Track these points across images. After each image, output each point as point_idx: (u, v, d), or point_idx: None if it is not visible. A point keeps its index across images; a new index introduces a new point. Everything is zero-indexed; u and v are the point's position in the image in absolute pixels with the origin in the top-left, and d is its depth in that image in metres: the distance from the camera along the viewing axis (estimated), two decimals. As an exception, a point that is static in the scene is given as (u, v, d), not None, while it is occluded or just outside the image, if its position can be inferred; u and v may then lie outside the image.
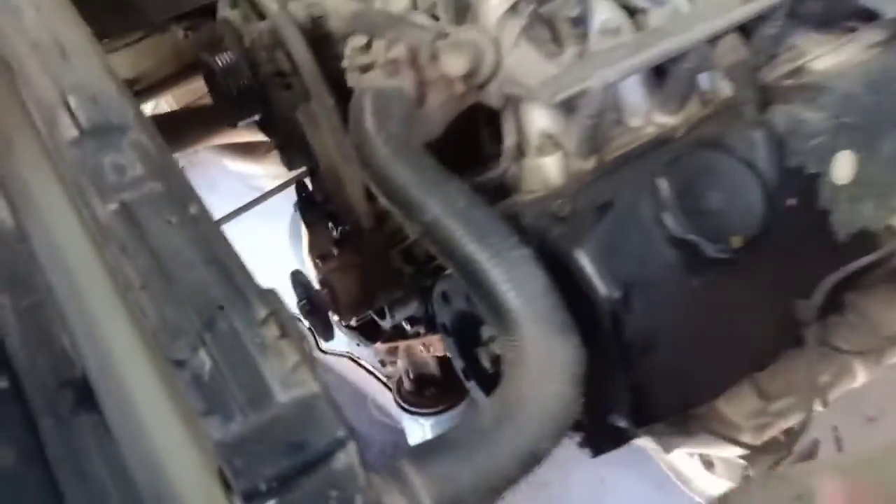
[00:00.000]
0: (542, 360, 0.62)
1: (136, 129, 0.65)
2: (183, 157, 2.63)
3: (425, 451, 0.57)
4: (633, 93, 0.94)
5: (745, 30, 0.96)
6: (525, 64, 0.84)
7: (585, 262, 0.78)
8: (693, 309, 0.80)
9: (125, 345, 0.50)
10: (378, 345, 1.38)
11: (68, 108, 0.67)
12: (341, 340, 1.77)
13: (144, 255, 0.56)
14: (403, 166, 0.75)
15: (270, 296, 0.54)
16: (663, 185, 0.78)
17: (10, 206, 0.59)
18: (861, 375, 1.15)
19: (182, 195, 0.62)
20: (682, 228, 0.76)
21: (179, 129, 1.58)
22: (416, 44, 0.82)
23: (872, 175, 0.92)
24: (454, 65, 0.82)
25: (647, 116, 0.95)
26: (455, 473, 0.56)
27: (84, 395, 0.48)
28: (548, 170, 0.90)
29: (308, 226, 1.27)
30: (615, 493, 1.72)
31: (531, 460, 0.58)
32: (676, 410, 0.87)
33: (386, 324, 1.14)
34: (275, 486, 0.46)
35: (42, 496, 0.45)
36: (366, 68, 0.83)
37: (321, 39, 1.02)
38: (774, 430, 1.08)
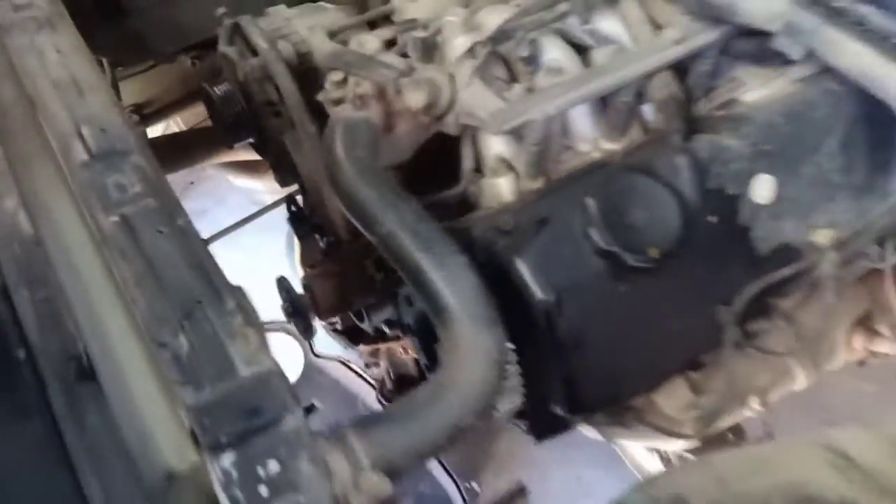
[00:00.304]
0: (471, 349, 0.74)
1: (136, 154, 0.78)
2: (192, 174, 2.78)
3: (367, 421, 0.68)
4: (582, 122, 1.06)
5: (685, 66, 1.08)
6: (477, 98, 0.96)
7: (524, 269, 0.89)
8: (619, 311, 0.91)
9: (120, 329, 0.62)
10: (361, 347, 1.50)
11: (81, 137, 0.80)
12: (334, 346, 1.89)
13: (139, 259, 0.69)
14: (365, 187, 0.87)
15: (238, 292, 0.66)
16: (591, 204, 0.89)
17: (30, 217, 0.71)
18: (801, 379, 1.25)
19: (172, 209, 0.74)
20: (606, 241, 0.88)
21: (187, 147, 1.71)
22: (383, 81, 0.95)
23: (793, 196, 1.03)
24: (414, 99, 0.94)
25: (594, 143, 1.07)
26: (390, 440, 0.67)
27: (85, 367, 0.60)
28: (501, 189, 1.03)
29: (299, 238, 1.40)
30: (590, 492, 1.82)
31: (456, 432, 0.70)
32: (607, 401, 0.98)
33: (365, 326, 1.26)
34: (234, 441, 0.58)
35: (49, 447, 0.57)
36: (338, 101, 0.96)
37: (308, 73, 1.16)
38: (716, 426, 1.19)
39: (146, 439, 0.58)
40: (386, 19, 1.22)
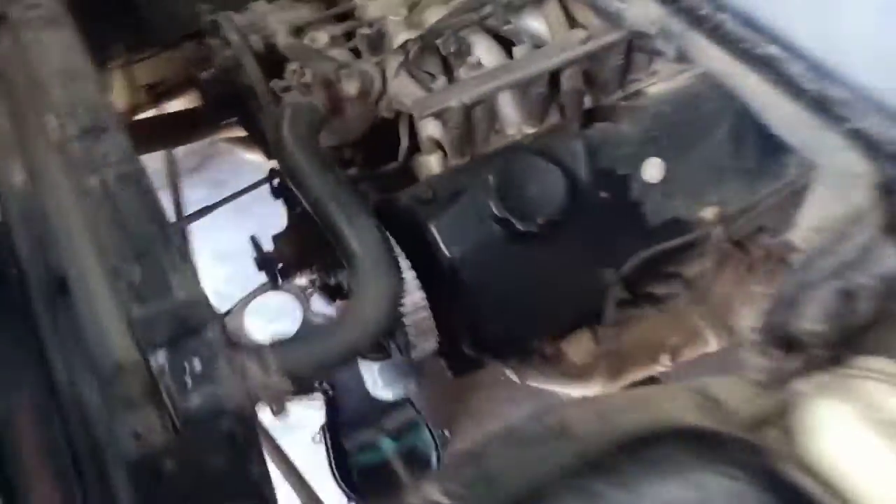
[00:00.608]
0: (370, 288, 0.93)
1: (115, 131, 0.99)
2: (212, 147, 3.01)
3: (280, 340, 0.88)
4: (507, 109, 1.24)
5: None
6: (403, 88, 1.15)
7: (435, 232, 1.08)
8: (514, 269, 1.09)
9: (91, 259, 0.83)
10: (337, 302, 1.70)
11: (74, 115, 1.01)
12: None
13: (110, 209, 0.90)
14: (301, 160, 1.06)
15: (180, 238, 0.86)
16: (491, 178, 1.07)
17: (31, 177, 0.93)
18: (713, 342, 1.41)
19: (139, 174, 0.95)
20: (500, 210, 1.05)
21: (194, 122, 1.93)
22: (325, 71, 1.14)
23: (683, 177, 1.18)
24: (349, 87, 1.13)
25: (518, 127, 1.24)
26: (297, 354, 0.87)
27: (63, 286, 0.81)
28: (431, 165, 1.21)
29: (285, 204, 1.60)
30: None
31: (352, 351, 0.90)
32: (510, 345, 1.16)
33: (332, 282, 1.45)
34: (166, 343, 0.79)
35: (29, 341, 0.78)
36: (286, 89, 1.15)
37: (278, 63, 1.35)
38: (627, 378, 1.36)
39: (103, 339, 0.79)
40: (350, 15, 1.41)
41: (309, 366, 0.87)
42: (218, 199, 2.17)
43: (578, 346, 1.25)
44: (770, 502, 0.65)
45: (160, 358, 0.79)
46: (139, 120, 1.88)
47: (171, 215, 1.99)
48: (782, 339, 0.94)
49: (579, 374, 1.27)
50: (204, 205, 2.11)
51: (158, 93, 1.95)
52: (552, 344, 1.22)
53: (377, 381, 1.66)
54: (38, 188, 0.91)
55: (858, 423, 0.72)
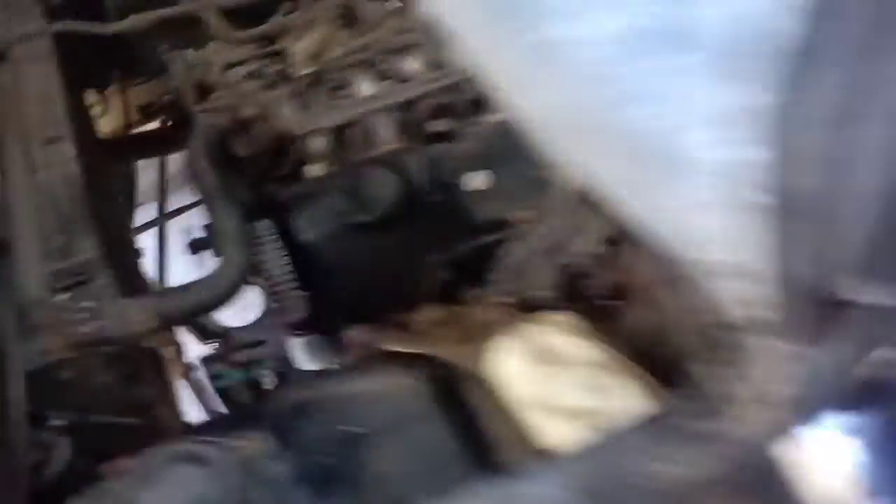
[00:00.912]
0: (227, 263, 1.29)
1: (66, 141, 1.38)
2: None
3: (158, 291, 1.25)
4: (383, 129, 1.58)
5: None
6: (286, 112, 1.51)
7: (299, 220, 1.43)
8: (357, 252, 1.43)
9: (27, 229, 1.22)
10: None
11: (41, 129, 1.41)
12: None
13: (49, 196, 1.29)
14: (198, 164, 1.43)
15: (94, 220, 1.24)
16: (343, 181, 1.42)
17: (2, 170, 1.33)
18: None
19: (76, 173, 1.33)
20: (342, 205, 1.40)
21: (174, 138, 2.33)
22: (230, 98, 1.51)
23: (504, 186, 1.50)
24: (246, 111, 1.50)
25: (391, 144, 1.58)
26: (168, 302, 1.23)
27: (3, 247, 1.20)
28: (315, 172, 1.57)
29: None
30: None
31: (208, 304, 1.25)
32: (357, 312, 1.50)
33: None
34: (67, 287, 1.16)
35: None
36: (202, 110, 1.53)
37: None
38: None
39: (27, 284, 1.17)
40: (279, 54, 1.78)
41: (176, 312, 1.24)
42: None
43: (423, 316, 1.57)
44: (419, 388, 0.98)
45: (62, 298, 1.17)
46: (133, 134, 2.30)
47: (155, 215, 2.43)
48: (522, 303, 1.25)
49: (425, 338, 1.59)
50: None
51: (150, 112, 2.37)
52: (402, 314, 1.54)
53: (302, 355, 2.02)
54: (3, 180, 1.31)
55: (516, 350, 1.04)
